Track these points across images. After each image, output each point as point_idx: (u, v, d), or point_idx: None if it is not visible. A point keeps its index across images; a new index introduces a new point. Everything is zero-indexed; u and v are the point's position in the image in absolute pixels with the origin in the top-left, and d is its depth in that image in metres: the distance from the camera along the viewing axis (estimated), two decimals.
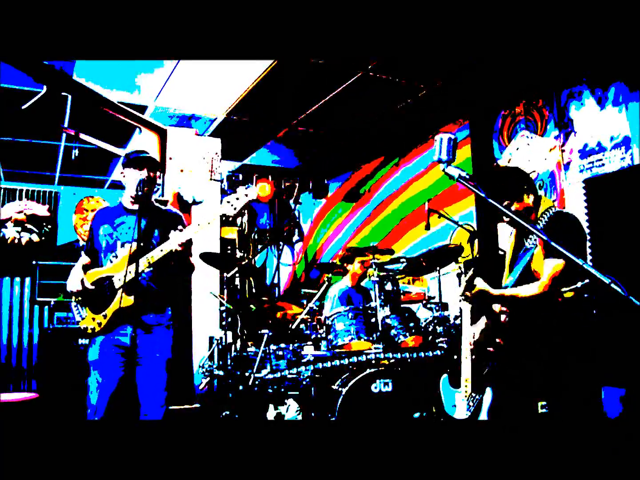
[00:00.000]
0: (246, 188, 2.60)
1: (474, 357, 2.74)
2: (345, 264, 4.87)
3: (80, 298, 2.76)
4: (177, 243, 2.56)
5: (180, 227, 2.63)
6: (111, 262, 2.72)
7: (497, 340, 2.58)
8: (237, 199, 2.59)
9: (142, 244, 2.67)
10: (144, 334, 2.66)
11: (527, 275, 2.43)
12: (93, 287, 2.70)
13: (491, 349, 2.60)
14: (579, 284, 2.28)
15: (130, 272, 2.55)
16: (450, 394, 2.85)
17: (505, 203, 2.47)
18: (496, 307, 2.60)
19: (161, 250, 2.60)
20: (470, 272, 2.56)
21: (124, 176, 2.78)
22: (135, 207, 2.73)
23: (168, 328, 2.78)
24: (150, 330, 2.69)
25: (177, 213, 2.95)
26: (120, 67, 4.81)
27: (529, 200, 2.50)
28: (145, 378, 2.63)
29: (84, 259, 2.87)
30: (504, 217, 2.51)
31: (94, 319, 2.69)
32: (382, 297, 4.04)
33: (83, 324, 2.74)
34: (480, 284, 2.50)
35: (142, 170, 2.71)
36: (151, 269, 2.67)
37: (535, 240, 2.43)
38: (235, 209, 2.58)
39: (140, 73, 4.94)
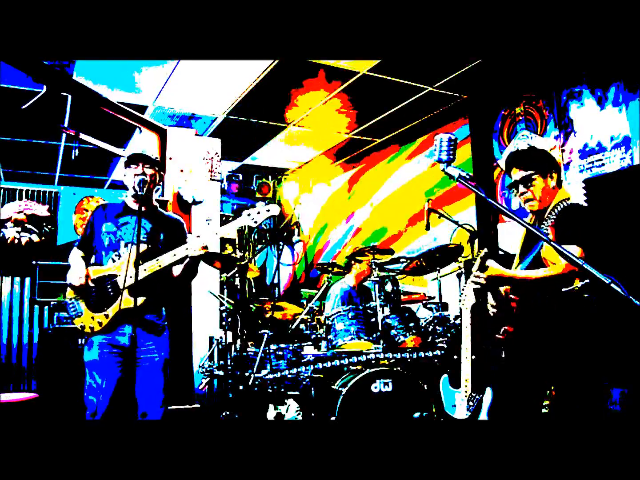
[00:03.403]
0: (266, 204, 2.66)
1: (474, 357, 2.74)
2: (353, 262, 4.87)
3: (79, 294, 2.71)
4: (193, 249, 2.58)
5: (197, 234, 2.65)
6: (113, 260, 2.71)
7: (506, 327, 2.56)
8: (259, 213, 2.62)
9: (149, 247, 2.69)
10: (142, 335, 2.65)
11: (537, 263, 2.43)
12: (94, 284, 2.68)
13: (501, 337, 2.58)
14: (579, 284, 2.28)
15: (134, 274, 2.54)
16: (450, 394, 2.85)
17: (530, 172, 2.47)
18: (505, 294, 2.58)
19: (174, 255, 2.61)
20: (484, 251, 2.52)
21: (125, 177, 2.80)
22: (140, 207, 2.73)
23: (164, 329, 2.79)
24: (148, 331, 2.69)
25: (179, 219, 2.95)
26: (120, 67, 4.81)
27: (552, 181, 2.50)
28: (142, 379, 2.61)
29: (79, 252, 2.81)
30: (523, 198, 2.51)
31: (93, 318, 2.67)
32: (382, 297, 4.04)
33: (80, 322, 2.69)
34: (493, 264, 2.48)
35: (137, 167, 2.72)
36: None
37: (546, 228, 2.42)
38: (255, 222, 2.62)
39: (140, 73, 4.94)
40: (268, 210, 2.62)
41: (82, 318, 2.70)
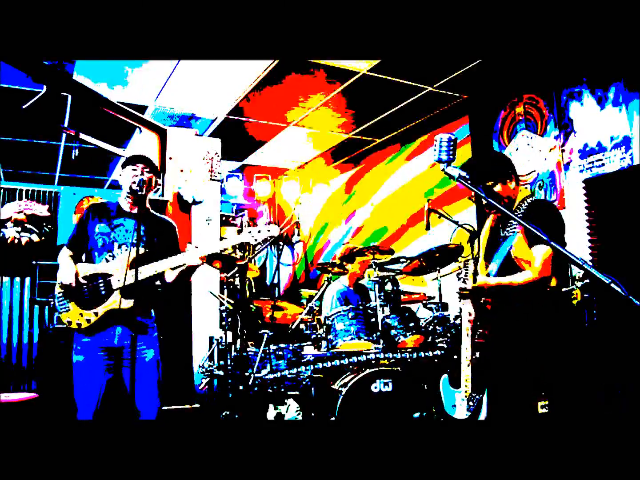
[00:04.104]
0: (268, 224, 2.74)
1: (474, 357, 2.74)
2: (345, 264, 4.86)
3: (68, 293, 2.71)
4: (192, 259, 2.61)
5: (196, 245, 2.70)
6: (107, 261, 2.71)
7: (482, 330, 2.58)
8: (259, 231, 2.71)
9: (146, 250, 2.69)
10: (131, 336, 2.65)
11: (509, 264, 2.44)
12: (85, 281, 2.68)
13: (479, 340, 2.60)
14: (579, 284, 2.29)
15: (131, 276, 2.53)
16: (450, 394, 2.85)
17: (490, 183, 2.51)
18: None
19: (171, 262, 2.64)
20: (472, 265, 2.56)
21: (121, 176, 2.81)
22: (134, 209, 2.76)
23: (153, 329, 2.80)
24: (138, 331, 2.68)
25: (171, 222, 2.97)
26: (121, 67, 4.81)
27: (511, 185, 2.54)
28: (135, 379, 2.62)
29: (68, 251, 2.80)
30: (485, 205, 2.53)
31: (82, 315, 2.66)
32: (382, 297, 4.04)
33: (67, 317, 2.68)
34: (479, 277, 2.52)
35: (136, 167, 2.73)
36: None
37: (514, 227, 2.45)
38: (255, 240, 2.71)
39: (141, 73, 4.94)
40: (269, 230, 2.71)
41: (70, 313, 2.68)
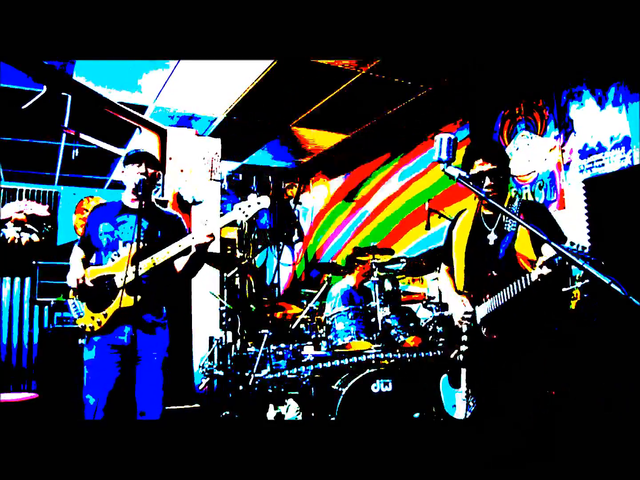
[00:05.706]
0: (258, 196, 2.64)
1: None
2: (355, 264, 4.86)
3: (78, 295, 2.73)
4: (200, 238, 2.58)
5: (190, 232, 2.65)
6: (112, 260, 2.71)
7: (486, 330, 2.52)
8: (249, 206, 2.62)
9: (146, 245, 2.68)
10: (142, 334, 2.65)
11: (511, 260, 2.37)
12: (92, 284, 2.70)
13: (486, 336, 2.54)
14: (579, 284, 2.28)
15: (132, 272, 2.55)
16: (450, 394, 2.85)
17: (494, 167, 2.45)
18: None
19: (179, 246, 2.61)
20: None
21: (124, 174, 2.79)
22: (136, 205, 2.74)
23: (164, 327, 2.78)
24: (147, 330, 2.69)
25: (176, 215, 2.95)
26: (120, 67, 4.81)
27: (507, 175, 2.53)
28: (142, 377, 2.62)
29: (80, 253, 2.82)
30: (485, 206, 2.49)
31: (93, 318, 2.68)
32: (382, 297, 4.04)
33: (81, 322, 2.70)
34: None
35: (140, 165, 2.72)
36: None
37: (514, 223, 2.38)
38: (246, 215, 2.61)
39: (140, 73, 4.94)
40: (259, 203, 2.61)
41: (83, 318, 2.71)
